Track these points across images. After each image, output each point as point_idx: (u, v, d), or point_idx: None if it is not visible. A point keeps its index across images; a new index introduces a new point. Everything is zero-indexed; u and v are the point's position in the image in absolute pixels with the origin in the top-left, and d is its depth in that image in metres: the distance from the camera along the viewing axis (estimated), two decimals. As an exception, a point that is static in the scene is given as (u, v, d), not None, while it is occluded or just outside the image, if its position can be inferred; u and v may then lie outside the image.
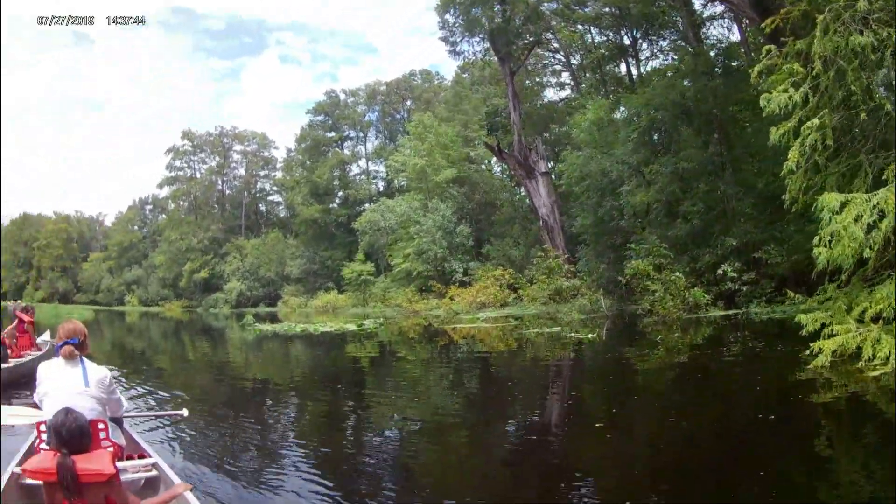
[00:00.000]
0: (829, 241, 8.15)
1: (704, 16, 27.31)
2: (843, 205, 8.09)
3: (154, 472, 4.42)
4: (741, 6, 17.68)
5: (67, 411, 3.30)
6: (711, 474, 4.99)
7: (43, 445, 3.91)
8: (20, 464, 4.08)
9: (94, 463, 3.15)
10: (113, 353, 19.65)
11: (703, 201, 20.41)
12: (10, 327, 13.19)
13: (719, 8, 26.39)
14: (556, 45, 38.74)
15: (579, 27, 34.88)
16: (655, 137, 22.90)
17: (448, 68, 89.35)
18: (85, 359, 4.04)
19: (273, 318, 36.64)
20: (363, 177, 62.81)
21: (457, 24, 34.63)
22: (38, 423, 4.08)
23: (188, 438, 7.16)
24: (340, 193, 59.90)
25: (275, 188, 76.12)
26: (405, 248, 40.58)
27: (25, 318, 13.50)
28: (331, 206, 58.30)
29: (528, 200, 35.83)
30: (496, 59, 35.13)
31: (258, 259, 61.16)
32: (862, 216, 7.77)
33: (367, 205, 55.33)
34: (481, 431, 7.07)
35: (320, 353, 18.72)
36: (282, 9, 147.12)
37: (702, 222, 20.24)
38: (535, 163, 32.03)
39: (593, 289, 24.56)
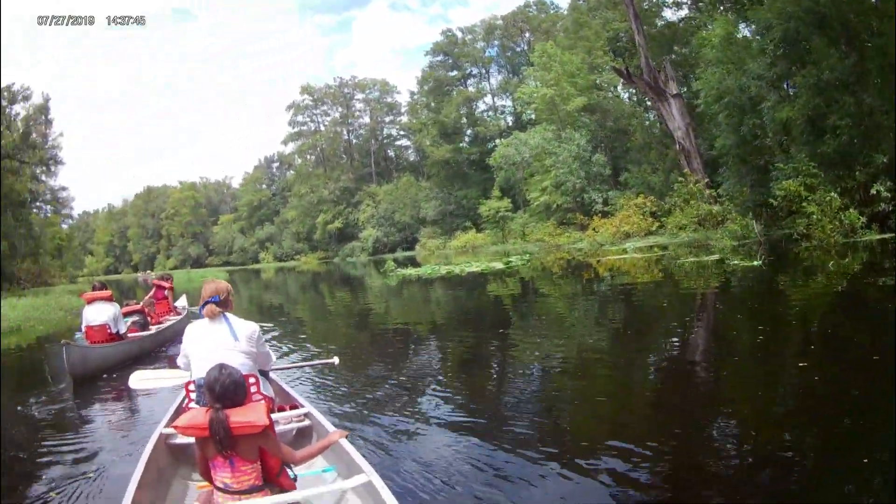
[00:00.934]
0: None
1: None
2: None
3: (307, 422, 4.75)
4: None
5: (221, 367, 3.40)
6: (862, 414, 4.80)
7: (192, 405, 4.21)
8: (168, 425, 4.51)
9: (247, 416, 3.25)
10: (251, 310, 20.32)
11: (849, 116, 19.58)
12: (148, 296, 14.27)
13: None
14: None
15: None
16: (790, 50, 22.05)
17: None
18: (230, 315, 4.31)
19: (412, 263, 37.70)
20: (490, 113, 64.99)
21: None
22: (187, 384, 4.38)
23: (339, 386, 7.63)
24: (469, 131, 62.51)
25: (401, 133, 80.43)
26: (542, 180, 42.05)
27: (166, 284, 14.64)
28: (461, 144, 60.89)
29: (660, 125, 36.52)
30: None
31: (392, 204, 64.80)
32: None
33: (497, 141, 56.87)
34: (625, 368, 7.21)
35: (462, 294, 19.46)
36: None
37: (849, 137, 19.56)
38: (665, 84, 32.46)
39: (738, 213, 24.50)
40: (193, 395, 4.25)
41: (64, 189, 67.35)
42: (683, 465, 4.20)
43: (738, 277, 14.15)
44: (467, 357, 8.98)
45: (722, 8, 33.26)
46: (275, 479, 3.40)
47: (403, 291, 22.44)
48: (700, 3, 37.23)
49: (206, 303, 4.26)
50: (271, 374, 5.20)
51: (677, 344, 8.39)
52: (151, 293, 14.37)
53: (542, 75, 44.32)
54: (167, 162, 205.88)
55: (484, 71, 66.63)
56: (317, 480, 3.96)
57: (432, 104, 63.81)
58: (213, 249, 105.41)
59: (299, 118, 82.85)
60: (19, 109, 54.23)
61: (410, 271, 29.10)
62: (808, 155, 20.58)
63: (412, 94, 71.35)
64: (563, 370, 7.27)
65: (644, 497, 3.77)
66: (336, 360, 6.65)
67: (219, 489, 3.29)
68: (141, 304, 12.75)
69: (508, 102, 63.18)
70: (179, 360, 4.56)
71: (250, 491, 3.25)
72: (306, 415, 4.84)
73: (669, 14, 42.52)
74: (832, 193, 18.85)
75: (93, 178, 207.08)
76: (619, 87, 45.20)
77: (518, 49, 65.80)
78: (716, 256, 18.25)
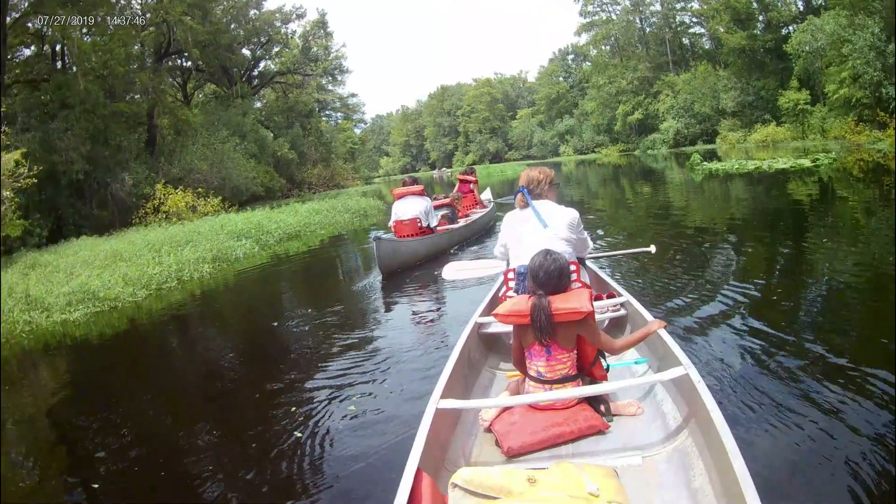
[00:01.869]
0: None
1: None
2: None
3: (623, 311, 4.93)
4: None
5: (547, 253, 3.52)
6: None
7: (510, 294, 4.47)
8: (483, 314, 4.80)
9: (571, 302, 3.35)
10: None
11: None
12: (454, 191, 14.93)
13: None
14: None
15: None
16: None
17: None
18: (549, 202, 4.54)
19: (713, 156, 37.84)
20: None
21: None
22: (506, 272, 4.66)
23: (655, 277, 7.98)
24: (762, 17, 60.64)
25: (694, 20, 79.33)
26: (840, 71, 41.25)
27: (471, 178, 15.40)
28: (755, 31, 59.60)
29: None
30: None
31: (691, 95, 64.99)
32: None
33: (790, 28, 55.76)
34: None
35: (760, 191, 19.44)
36: None
37: None
38: None
39: None
40: (512, 284, 4.50)
41: (353, 96, 77.09)
42: None
43: None
44: (772, 258, 9.06)
45: None
46: (588, 370, 3.56)
47: (705, 187, 22.81)
48: None
49: (518, 192, 4.58)
50: (588, 262, 5.52)
51: None
52: (457, 187, 15.30)
53: None
54: (460, 61, 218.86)
55: None
56: (627, 372, 4.18)
57: None
58: (511, 144, 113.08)
59: (590, 8, 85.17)
60: (295, 27, 60.34)
61: (717, 165, 29.03)
62: None
63: None
64: (850, 285, 7.08)
65: None
66: (653, 248, 6.72)
67: (531, 378, 3.51)
68: (450, 198, 13.63)
69: None
70: (496, 250, 4.94)
71: (563, 380, 3.43)
72: (623, 304, 4.96)
73: None
74: None
75: (386, 81, 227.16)
76: None
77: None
78: None
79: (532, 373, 3.52)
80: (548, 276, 3.50)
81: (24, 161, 21.23)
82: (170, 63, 48.93)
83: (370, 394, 5.36)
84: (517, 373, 3.80)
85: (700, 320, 6.11)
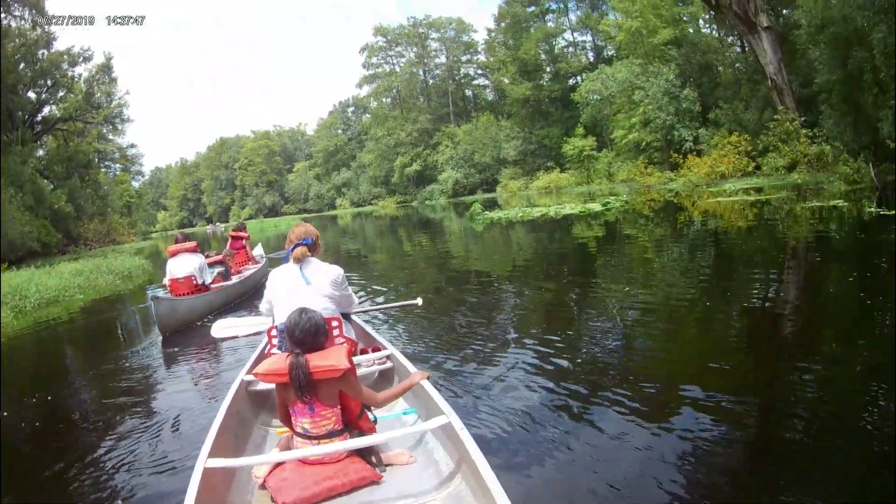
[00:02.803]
0: None
1: None
2: None
3: (389, 364, 4.98)
4: None
5: (302, 311, 3.53)
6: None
7: (273, 350, 4.41)
8: (249, 372, 4.73)
9: (328, 359, 3.36)
10: (327, 256, 19.58)
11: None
12: (227, 247, 14.82)
13: None
14: None
15: None
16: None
17: None
18: (314, 259, 4.57)
19: (493, 205, 37.89)
20: (571, 49, 64.67)
21: None
22: (269, 330, 4.61)
23: (421, 329, 8.03)
24: (549, 68, 62.74)
25: (479, 72, 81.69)
26: (629, 117, 42.43)
27: (243, 234, 15.52)
28: (541, 82, 61.30)
29: (749, 60, 36.32)
30: None
31: (471, 145, 65.62)
32: None
33: (578, 78, 57.79)
34: (711, 315, 7.24)
35: (543, 236, 19.55)
36: None
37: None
38: (756, 16, 31.49)
39: (846, 155, 22.97)
40: (276, 341, 4.47)
41: (133, 146, 71.13)
42: (765, 419, 4.32)
43: (862, 226, 13.34)
44: (550, 302, 9.23)
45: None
46: (355, 423, 3.55)
47: (485, 235, 22.39)
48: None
49: (297, 245, 4.50)
50: (353, 317, 5.51)
51: (762, 291, 8.35)
52: (228, 244, 15.22)
53: (627, 6, 44.61)
54: (239, 113, 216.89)
55: (562, 5, 65.55)
56: (397, 422, 4.16)
57: (510, 41, 64.10)
58: (288, 197, 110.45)
59: (374, 60, 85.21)
60: (81, 70, 56.50)
61: (499, 214, 28.64)
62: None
63: (489, 31, 72.26)
64: (648, 319, 7.32)
65: (720, 450, 3.85)
66: (419, 300, 6.88)
67: (298, 434, 3.46)
68: (222, 255, 13.61)
69: (589, 38, 63.44)
70: (262, 306, 4.87)
71: (330, 435, 3.41)
72: (388, 357, 5.03)
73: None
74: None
75: (165, 133, 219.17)
76: (702, 21, 45.22)
77: (597, -18, 64.77)
78: (839, 201, 17.15)
79: (298, 429, 3.47)
80: (303, 335, 3.47)
81: None
82: None
83: (140, 457, 4.88)
84: (287, 429, 3.68)
85: (466, 368, 5.99)
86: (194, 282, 11.07)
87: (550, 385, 5.22)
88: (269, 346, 4.62)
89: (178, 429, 5.44)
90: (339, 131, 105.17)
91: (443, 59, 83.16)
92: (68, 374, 9.06)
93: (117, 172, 73.21)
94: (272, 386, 4.00)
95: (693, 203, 23.27)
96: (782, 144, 28.71)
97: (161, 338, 9.66)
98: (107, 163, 70.20)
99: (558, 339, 6.81)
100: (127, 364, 8.50)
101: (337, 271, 4.56)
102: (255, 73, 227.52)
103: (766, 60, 31.60)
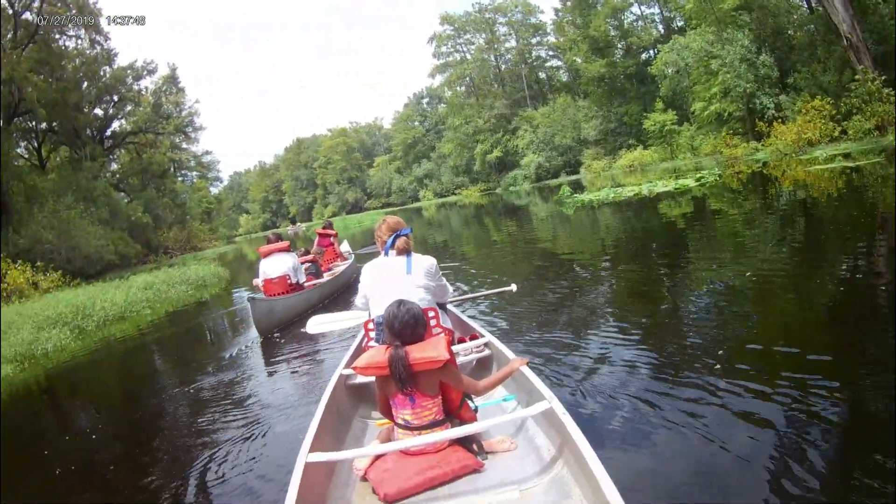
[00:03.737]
0: None
1: None
2: None
3: (487, 352, 4.97)
4: None
5: (400, 303, 3.58)
6: None
7: (371, 343, 4.53)
8: (347, 366, 4.80)
9: (427, 351, 3.40)
10: (416, 248, 18.15)
11: None
12: (315, 246, 15.01)
13: None
14: None
15: None
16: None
17: None
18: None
19: (578, 186, 37.72)
20: (640, 23, 63.25)
21: None
22: (366, 323, 4.70)
23: (517, 315, 7.98)
24: (621, 44, 61.55)
25: (550, 53, 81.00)
26: (709, 87, 40.98)
27: (331, 232, 15.68)
28: (614, 58, 60.10)
29: (821, 20, 34.34)
30: None
31: (551, 128, 65.08)
32: None
33: (651, 52, 56.82)
34: (804, 287, 7.01)
35: (631, 216, 19.42)
36: None
37: None
38: None
39: None
40: (373, 335, 4.54)
41: (208, 153, 74.87)
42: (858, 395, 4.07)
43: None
44: (644, 282, 9.00)
45: None
46: (456, 412, 3.57)
47: (573, 218, 22.04)
48: None
49: (398, 235, 4.60)
50: (449, 306, 5.56)
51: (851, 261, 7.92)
52: (316, 242, 15.39)
53: None
54: (314, 114, 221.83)
55: None
56: (497, 410, 4.19)
57: (578, 20, 62.79)
58: (370, 192, 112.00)
59: (443, 49, 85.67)
60: (147, 84, 58.62)
61: (590, 196, 27.46)
62: None
63: (556, 11, 70.91)
64: (745, 298, 7.03)
65: (817, 425, 3.69)
66: (514, 286, 6.88)
67: (399, 426, 3.49)
68: (312, 253, 13.67)
69: (656, 10, 61.94)
70: (357, 301, 4.92)
71: (431, 426, 3.43)
72: (486, 344, 5.00)
73: None
74: None
75: (243, 139, 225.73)
76: None
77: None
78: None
79: (399, 421, 3.52)
80: (403, 326, 3.54)
81: None
82: (23, 124, 46.67)
83: (241, 456, 5.05)
84: (387, 420, 3.78)
85: (564, 352, 5.97)
86: (289, 281, 11.21)
87: (650, 367, 5.20)
88: (366, 340, 4.81)
89: (280, 426, 5.57)
90: (416, 123, 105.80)
91: (513, 42, 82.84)
92: (161, 385, 9.04)
93: (194, 180, 76.43)
94: (371, 379, 4.09)
95: (782, 173, 22.35)
96: (866, 106, 27.83)
97: (259, 339, 9.86)
98: (183, 171, 73.07)
99: (655, 320, 6.82)
100: (224, 368, 8.57)
101: (430, 261, 4.65)
102: (325, 72, 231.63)
103: (838, 19, 30.04)
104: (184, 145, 67.95)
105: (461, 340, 5.08)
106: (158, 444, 6.04)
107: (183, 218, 59.70)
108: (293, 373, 7.77)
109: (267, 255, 11.47)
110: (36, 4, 42.42)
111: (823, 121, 30.72)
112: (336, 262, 15.36)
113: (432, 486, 3.24)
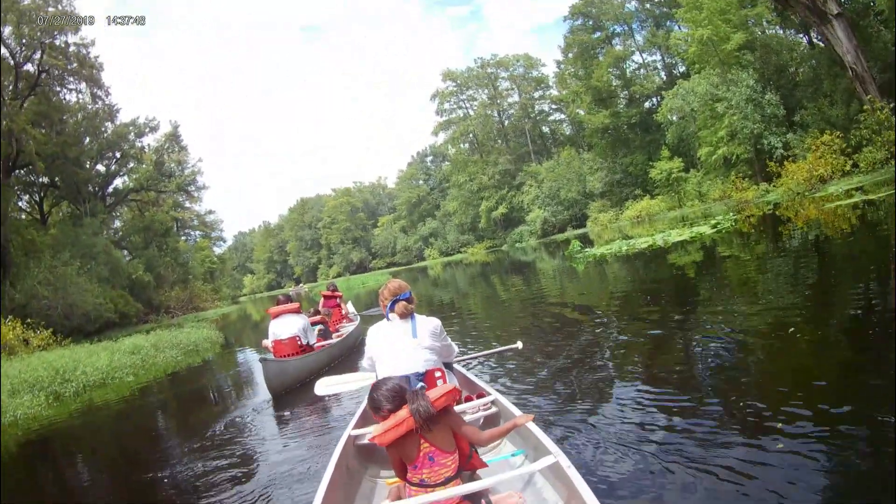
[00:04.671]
0: None
1: None
2: None
3: (494, 409, 5.04)
4: None
5: (415, 394, 3.50)
6: None
7: None
8: (355, 427, 4.97)
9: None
10: (421, 308, 19.08)
11: None
12: (321, 306, 14.97)
13: None
14: None
15: None
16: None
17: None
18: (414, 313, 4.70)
19: (584, 240, 36.13)
20: (642, 70, 63.16)
21: None
22: (373, 384, 4.50)
23: (523, 372, 7.99)
24: (623, 93, 61.32)
25: (553, 107, 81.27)
26: (715, 130, 40.79)
27: (337, 293, 15.87)
28: (617, 108, 59.82)
29: (824, 53, 34.43)
30: None
31: (556, 182, 64.70)
32: None
33: (654, 100, 56.97)
34: (820, 332, 6.84)
35: (639, 266, 19.18)
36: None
37: None
38: (825, 4, 29.54)
39: None
40: None
41: (211, 212, 73.47)
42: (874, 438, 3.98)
43: None
44: (650, 335, 8.84)
45: None
46: (466, 463, 3.59)
47: (576, 272, 21.81)
48: None
49: (397, 300, 4.66)
50: (455, 366, 5.66)
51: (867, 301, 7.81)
52: (321, 304, 15.38)
53: (694, 16, 42.99)
54: (318, 173, 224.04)
55: (627, 28, 64.16)
56: (506, 465, 4.23)
57: (580, 71, 62.76)
58: (375, 252, 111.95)
59: (446, 106, 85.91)
60: (149, 141, 58.78)
61: (601, 249, 26.52)
62: None
63: (558, 63, 71.10)
64: (756, 347, 6.88)
65: (834, 475, 3.67)
66: (519, 344, 7.03)
67: (413, 485, 3.48)
68: (321, 315, 13.76)
69: (658, 56, 62.14)
70: (364, 363, 4.95)
71: (445, 482, 3.42)
72: (493, 402, 5.08)
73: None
74: None
75: (248, 199, 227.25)
76: (765, 22, 43.43)
77: (657, -1, 63.57)
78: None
79: (415, 480, 3.49)
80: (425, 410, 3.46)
81: None
82: (25, 178, 47.21)
83: None
84: (397, 479, 3.75)
85: (571, 407, 5.98)
86: (299, 342, 11.24)
87: (658, 421, 5.13)
88: None
89: (290, 486, 5.50)
90: (421, 181, 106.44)
91: (515, 97, 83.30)
92: (170, 447, 8.89)
93: (198, 239, 75.64)
94: None
95: (796, 213, 21.99)
96: (876, 136, 27.27)
97: (269, 399, 9.87)
98: (186, 230, 72.64)
99: (663, 373, 6.75)
100: (234, 429, 8.55)
101: (435, 322, 4.72)
102: (328, 132, 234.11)
103: (842, 50, 29.49)
104: (187, 204, 67.84)
105: (468, 399, 5.22)
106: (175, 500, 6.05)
107: (185, 277, 59.56)
108: (303, 433, 7.69)
109: (277, 315, 11.53)
110: (37, 56, 42.85)
111: (834, 155, 30.12)
112: (343, 323, 15.56)
113: None
